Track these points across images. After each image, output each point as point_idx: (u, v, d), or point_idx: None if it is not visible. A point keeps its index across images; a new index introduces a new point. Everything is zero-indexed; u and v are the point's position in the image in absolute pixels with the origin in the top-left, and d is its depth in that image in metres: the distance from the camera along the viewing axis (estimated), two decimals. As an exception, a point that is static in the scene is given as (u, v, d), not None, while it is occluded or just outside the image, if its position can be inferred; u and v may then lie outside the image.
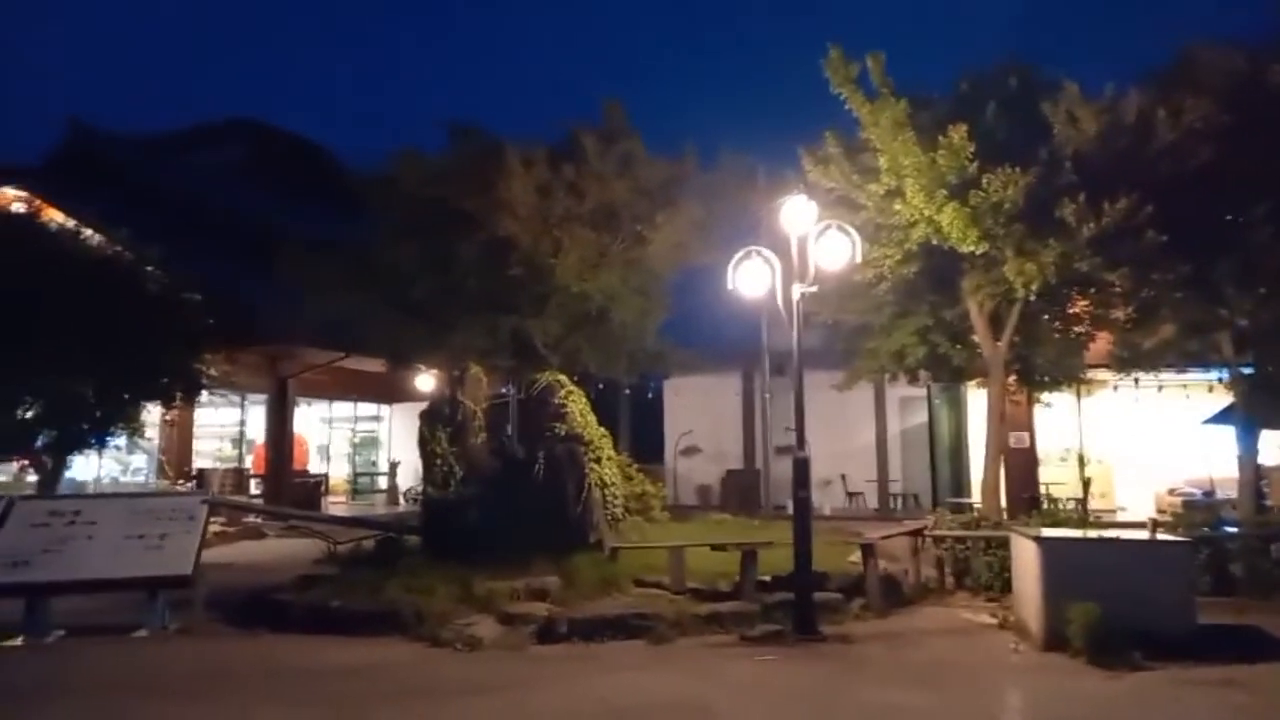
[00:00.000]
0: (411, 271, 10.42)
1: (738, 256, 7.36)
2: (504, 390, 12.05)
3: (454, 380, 9.93)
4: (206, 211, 19.50)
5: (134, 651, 6.86)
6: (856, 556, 8.42)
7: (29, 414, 11.05)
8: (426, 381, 16.72)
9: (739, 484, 17.60)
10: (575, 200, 10.13)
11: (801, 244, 7.24)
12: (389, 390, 19.63)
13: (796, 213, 7.25)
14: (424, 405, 11.54)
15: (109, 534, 7.68)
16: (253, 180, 23.90)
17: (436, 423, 9.46)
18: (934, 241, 9.38)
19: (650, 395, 20.10)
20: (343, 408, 22.08)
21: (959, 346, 10.99)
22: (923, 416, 18.16)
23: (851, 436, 17.60)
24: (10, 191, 14.52)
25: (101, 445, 12.24)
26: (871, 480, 17.91)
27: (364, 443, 23.35)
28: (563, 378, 9.59)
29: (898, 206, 9.31)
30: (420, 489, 18.51)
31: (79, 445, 11.78)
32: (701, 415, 19.45)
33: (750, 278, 7.40)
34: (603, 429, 9.93)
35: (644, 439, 19.55)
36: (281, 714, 5.17)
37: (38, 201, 13.72)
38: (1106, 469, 15.50)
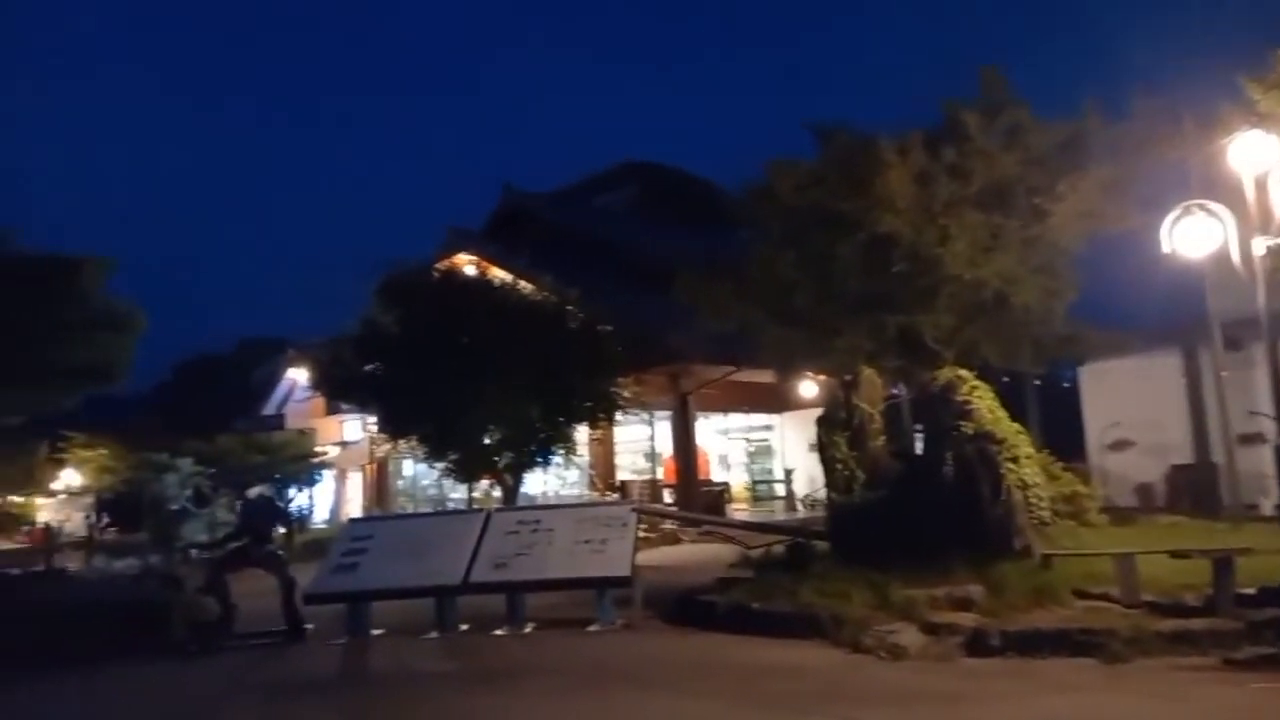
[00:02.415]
0: (791, 280, 10.57)
1: (1173, 214, 6.30)
2: (895, 391, 11.65)
3: (846, 385, 9.83)
4: (609, 248, 21.92)
5: (591, 642, 7.79)
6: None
7: (493, 440, 13.30)
8: (812, 389, 16.88)
9: (1190, 480, 14.98)
10: (960, 183, 9.48)
11: (1261, 187, 5.98)
12: (779, 400, 20.15)
13: (1251, 150, 6.01)
14: (813, 412, 11.61)
15: (563, 540, 8.86)
16: (645, 215, 26.36)
17: (833, 428, 9.41)
18: None
19: (1065, 385, 18.04)
20: (737, 419, 23.15)
21: None
22: None
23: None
24: (463, 256, 17.65)
25: (546, 463, 14.30)
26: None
27: (758, 451, 24.22)
28: (964, 373, 8.98)
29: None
30: (816, 494, 18.76)
31: (530, 464, 13.89)
32: (1131, 403, 16.90)
33: (1191, 237, 6.28)
34: (1016, 425, 9.10)
35: (1059, 434, 17.53)
36: (723, 708, 5.48)
37: (482, 261, 16.50)
38: None
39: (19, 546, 30.50)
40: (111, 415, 25.01)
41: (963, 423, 8.38)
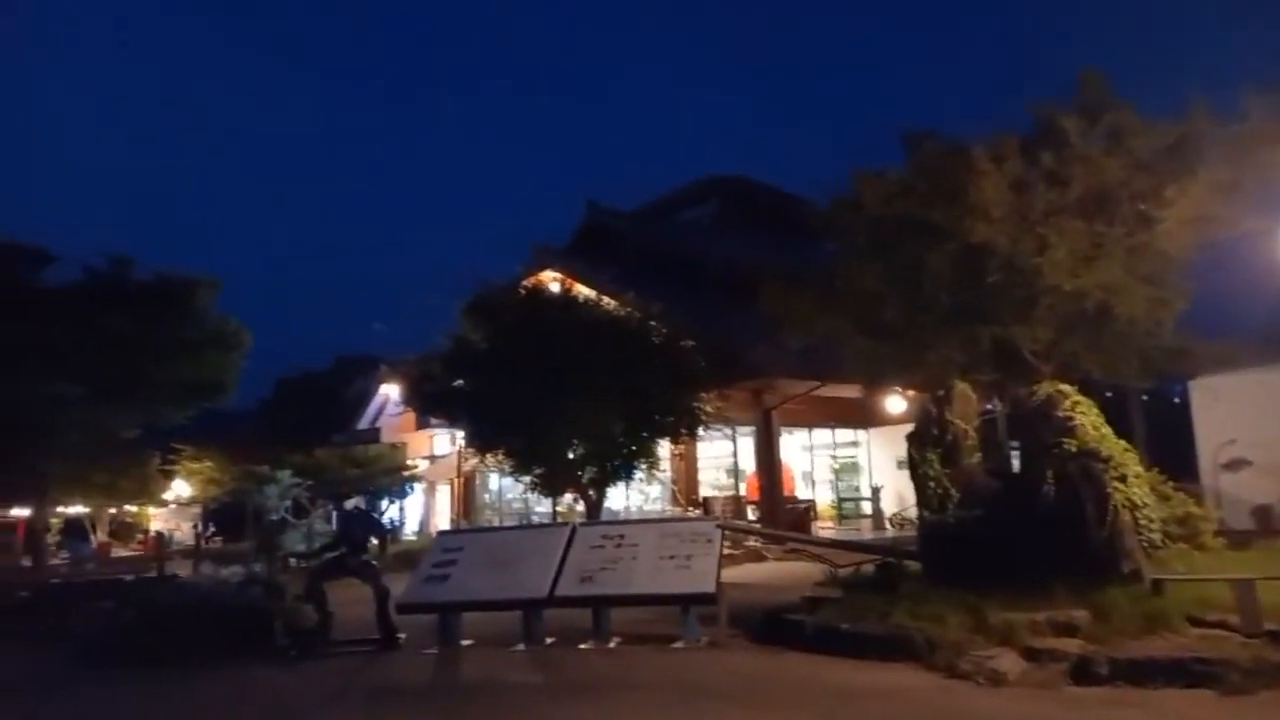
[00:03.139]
0: (879, 293, 10.36)
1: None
2: (990, 406, 11.25)
3: (937, 399, 9.54)
4: (692, 263, 21.94)
5: (677, 659, 7.73)
6: None
7: (577, 454, 13.42)
8: (901, 404, 16.46)
9: (1314, 503, 13.98)
10: (1058, 190, 9.14)
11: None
12: (865, 415, 19.74)
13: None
14: (902, 428, 11.31)
15: (647, 555, 8.84)
16: (729, 229, 26.29)
17: (925, 444, 9.14)
18: None
19: (1174, 400, 17.09)
20: (822, 435, 22.76)
21: None
22: None
23: None
24: (549, 273, 17.93)
25: (629, 478, 14.34)
26: None
27: (844, 468, 23.73)
28: (1064, 387, 8.60)
29: None
30: (906, 513, 18.24)
31: (614, 478, 13.95)
32: (1249, 420, 15.86)
33: (1316, 241, 5.88)
34: (1122, 442, 8.66)
35: (1168, 452, 16.60)
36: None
37: (566, 278, 16.73)
38: None
39: (134, 553, 32.32)
40: (218, 429, 26.28)
41: (1064, 439, 8.03)
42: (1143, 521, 8.17)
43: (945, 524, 8.57)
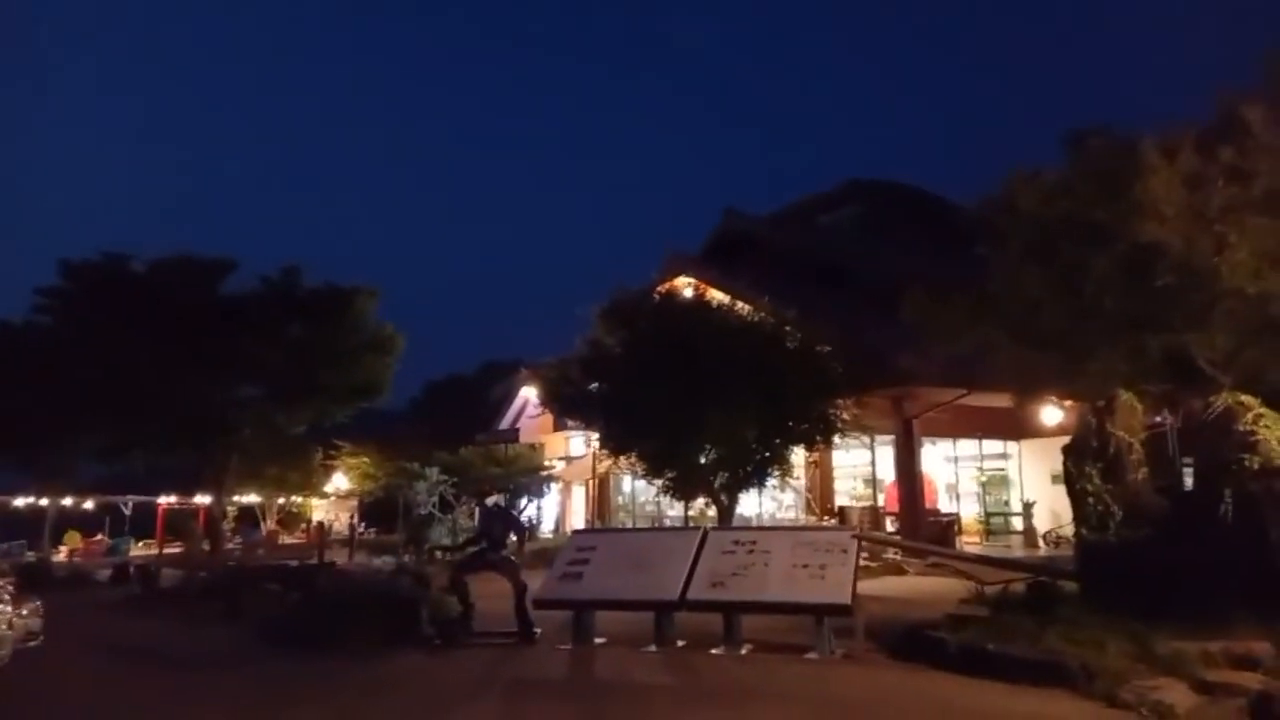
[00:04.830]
0: (1035, 298, 9.80)
1: None
2: (1158, 419, 10.42)
3: (1099, 411, 8.92)
4: (831, 268, 21.51)
5: (811, 670, 7.57)
6: None
7: (709, 459, 13.41)
8: (1055, 415, 15.46)
9: None
10: (1240, 185, 8.35)
11: None
12: (1015, 426, 18.69)
13: None
14: (1057, 440, 10.64)
15: (780, 562, 8.70)
16: (871, 234, 25.61)
17: (1083, 458, 8.56)
18: None
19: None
20: (967, 446, 21.72)
21: None
22: None
23: None
24: (683, 279, 18.03)
25: (761, 484, 14.19)
26: None
27: (992, 481, 22.54)
28: (1246, 399, 7.85)
29: None
30: (1061, 530, 17.12)
31: (746, 484, 13.85)
32: None
33: None
34: (1316, 461, 7.81)
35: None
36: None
37: (700, 284, 16.76)
38: None
39: (298, 541, 34.89)
40: (373, 427, 27.95)
41: (1246, 456, 7.34)
42: (1339, 550, 7.34)
43: (1107, 544, 8.02)
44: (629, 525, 23.36)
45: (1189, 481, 8.65)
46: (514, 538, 10.08)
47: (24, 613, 8.35)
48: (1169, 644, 6.41)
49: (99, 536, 33.08)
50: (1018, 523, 20.44)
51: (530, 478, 27.02)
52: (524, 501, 27.86)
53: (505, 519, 10.79)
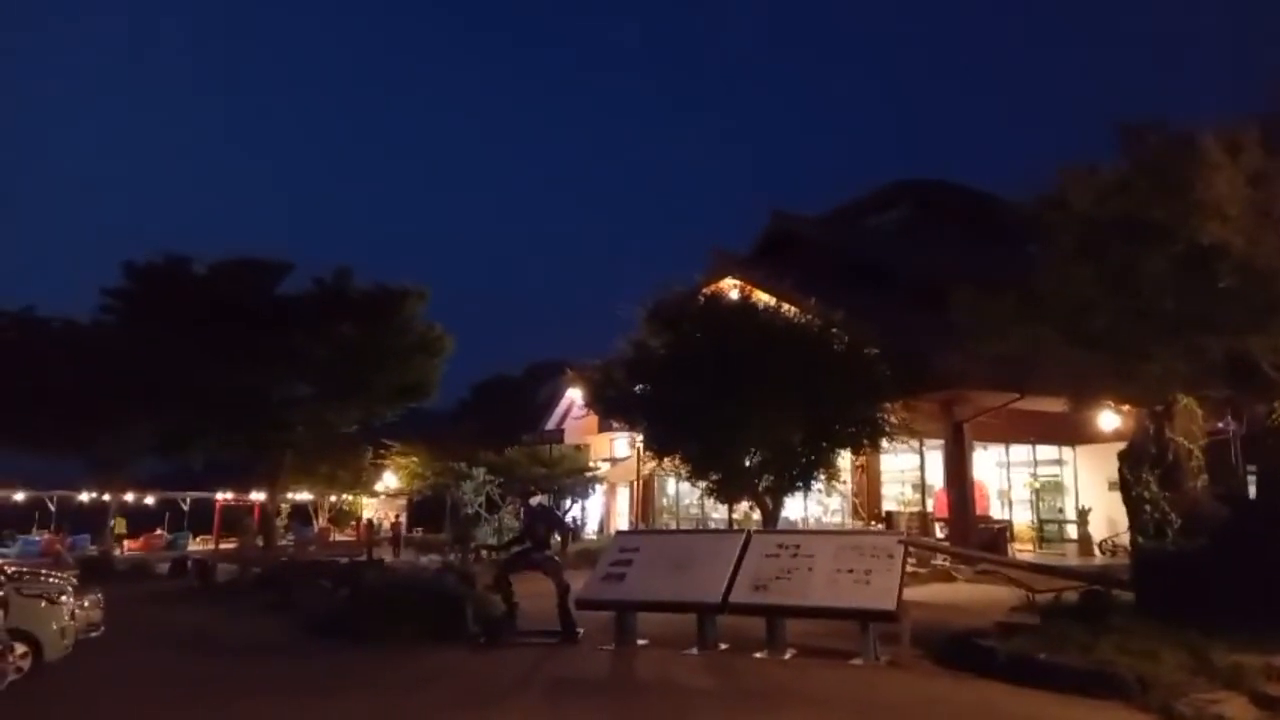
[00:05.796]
0: (1089, 299, 9.54)
1: None
2: (1220, 424, 10.06)
3: (1157, 416, 8.65)
4: (879, 270, 21.19)
5: (856, 676, 7.48)
6: None
7: (754, 462, 13.31)
8: (1111, 420, 15.03)
9: None
10: (1307, 182, 8.04)
11: None
12: (1070, 431, 18.20)
13: None
14: (1114, 446, 10.35)
15: (824, 567, 8.61)
16: (920, 234, 25.18)
17: (1140, 465, 8.31)
18: None
19: None
20: (1020, 451, 21.22)
21: None
22: None
23: None
24: (729, 280, 17.95)
25: (807, 488, 14.03)
26: None
27: (1045, 487, 21.98)
28: (1314, 405, 7.56)
29: None
30: (1118, 539, 16.61)
31: (791, 488, 13.71)
32: None
33: None
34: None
35: None
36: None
37: (746, 285, 16.66)
38: None
39: (348, 538, 35.55)
40: (421, 426, 28.32)
41: (1313, 464, 7.05)
42: None
43: (1164, 552, 7.78)
44: (673, 527, 23.31)
45: (1253, 490, 8.34)
46: (558, 538, 10.13)
47: (85, 604, 8.67)
48: (1228, 656, 6.20)
49: (158, 531, 34.13)
50: (1072, 530, 19.92)
51: (575, 479, 27.11)
52: (568, 502, 27.97)
53: (549, 519, 10.87)
